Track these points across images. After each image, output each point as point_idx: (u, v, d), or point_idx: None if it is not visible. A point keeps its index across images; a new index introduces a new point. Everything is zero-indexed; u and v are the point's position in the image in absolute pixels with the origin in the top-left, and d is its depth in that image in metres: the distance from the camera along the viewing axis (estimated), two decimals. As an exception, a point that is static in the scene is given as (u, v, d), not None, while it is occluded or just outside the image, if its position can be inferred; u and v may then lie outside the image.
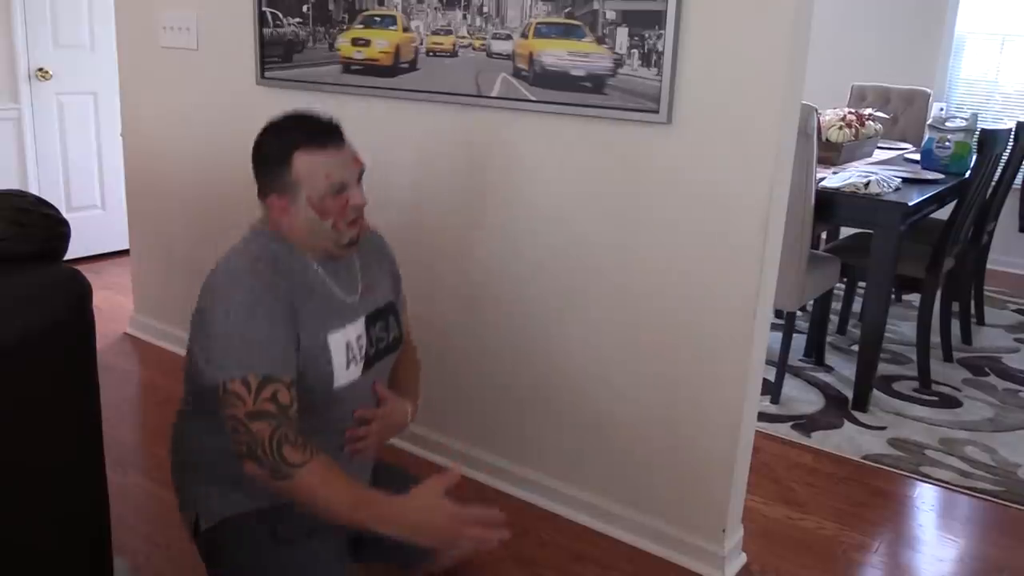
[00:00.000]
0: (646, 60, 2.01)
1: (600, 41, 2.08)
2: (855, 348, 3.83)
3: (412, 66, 2.43)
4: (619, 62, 2.06)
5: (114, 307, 3.93)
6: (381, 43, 2.49)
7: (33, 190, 4.34)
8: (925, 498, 2.66)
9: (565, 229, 2.25)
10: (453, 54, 2.34)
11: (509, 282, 2.39)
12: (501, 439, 2.52)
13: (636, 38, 2.02)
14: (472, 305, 2.49)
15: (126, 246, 3.83)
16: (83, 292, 1.56)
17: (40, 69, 4.24)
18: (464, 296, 2.50)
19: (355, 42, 2.54)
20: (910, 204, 3.04)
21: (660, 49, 1.99)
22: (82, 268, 4.63)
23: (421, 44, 2.40)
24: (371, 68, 2.52)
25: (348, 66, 2.57)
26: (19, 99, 4.21)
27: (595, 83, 2.10)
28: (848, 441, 2.96)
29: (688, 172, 2.02)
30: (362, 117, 2.60)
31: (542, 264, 2.32)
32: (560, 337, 2.33)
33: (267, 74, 2.80)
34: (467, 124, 2.37)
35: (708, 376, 2.10)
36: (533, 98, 2.21)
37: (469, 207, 2.43)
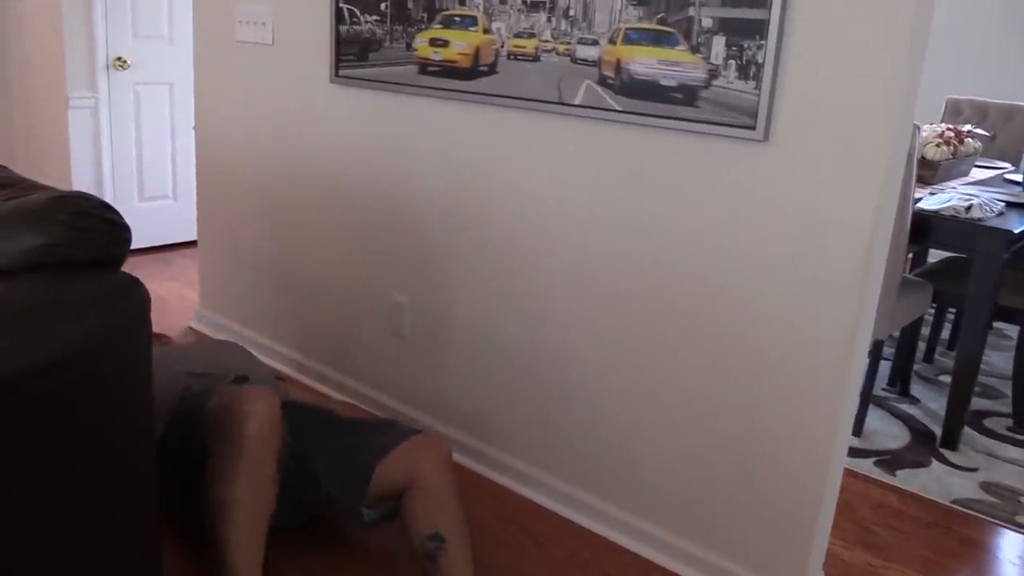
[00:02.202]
0: (743, 72, 1.87)
1: (694, 50, 1.94)
2: (942, 378, 3.61)
3: (491, 69, 2.33)
4: (714, 73, 1.92)
5: (180, 299, 3.92)
6: (460, 44, 2.39)
7: (107, 179, 4.36)
8: (1021, 551, 2.46)
9: (646, 249, 2.12)
10: (535, 58, 2.23)
11: (581, 302, 2.27)
12: (567, 463, 2.40)
13: (734, 48, 1.88)
14: (541, 323, 2.38)
15: (195, 237, 3.81)
16: (140, 302, 1.49)
17: (118, 58, 4.25)
18: (533, 313, 2.39)
19: (433, 42, 2.44)
20: (1015, 231, 2.83)
21: (760, 60, 1.84)
22: (151, 258, 4.69)
23: (502, 47, 2.29)
24: (449, 70, 2.42)
25: (425, 67, 2.48)
26: (97, 88, 4.22)
27: (687, 95, 1.96)
28: (936, 482, 2.77)
29: (784, 193, 1.88)
30: (437, 120, 2.50)
31: (618, 286, 2.19)
32: (631, 364, 2.20)
33: (341, 72, 2.72)
34: (547, 132, 2.26)
35: (795, 412, 1.95)
36: (619, 108, 2.08)
37: (544, 219, 2.31)
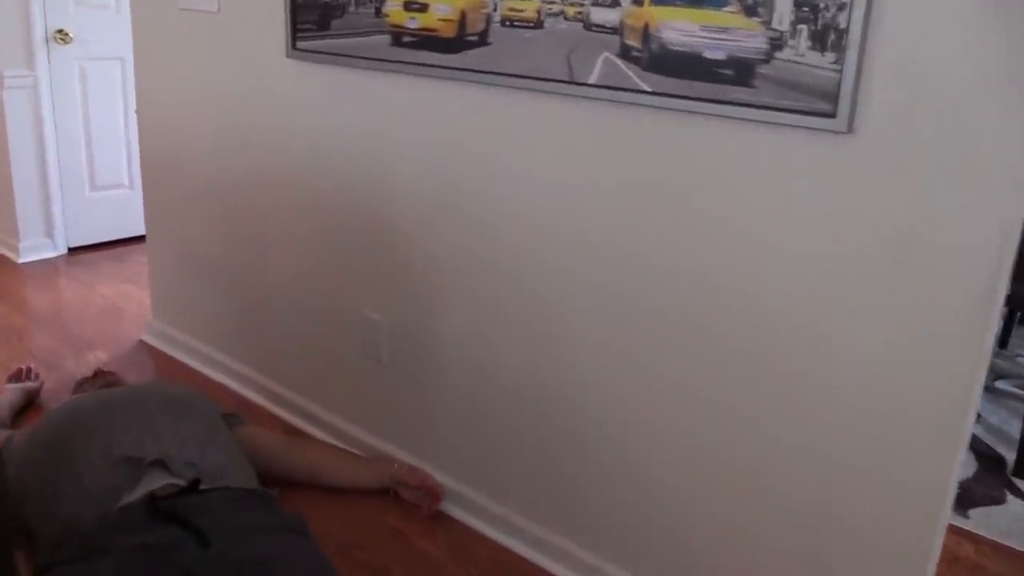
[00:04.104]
0: (819, 41, 1.40)
1: (750, 11, 1.47)
2: (999, 384, 3.18)
3: (482, 39, 1.85)
4: (777, 42, 1.45)
5: (135, 305, 3.45)
6: (442, 8, 1.91)
7: (52, 167, 3.88)
8: None
9: (683, 266, 1.66)
10: (537, 25, 1.75)
11: (598, 326, 1.82)
12: (587, 527, 1.96)
13: (805, 9, 1.41)
14: (547, 350, 1.92)
15: (146, 238, 3.33)
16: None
17: (59, 31, 3.74)
18: (538, 337, 1.93)
19: (408, 6, 1.96)
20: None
21: (842, 25, 1.37)
22: (105, 255, 4.20)
23: (495, 10, 1.81)
24: (428, 40, 1.95)
25: (399, 37, 2.00)
26: (35, 65, 3.72)
27: (739, 71, 1.49)
28: (1018, 524, 2.33)
29: (874, 203, 1.42)
30: (416, 102, 2.03)
31: (647, 309, 1.73)
32: (664, 406, 1.75)
33: (299, 44, 2.23)
34: (553, 119, 1.78)
35: (889, 480, 1.50)
36: (647, 88, 1.61)
37: (552, 226, 1.85)
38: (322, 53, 2.18)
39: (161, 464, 1.81)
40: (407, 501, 2.22)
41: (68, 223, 4.01)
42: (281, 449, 2.30)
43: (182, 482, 1.79)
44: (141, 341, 3.15)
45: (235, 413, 2.34)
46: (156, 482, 1.78)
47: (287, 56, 2.28)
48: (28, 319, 3.30)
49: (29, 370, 2.72)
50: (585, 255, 1.80)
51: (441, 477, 2.22)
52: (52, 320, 3.31)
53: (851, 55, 1.37)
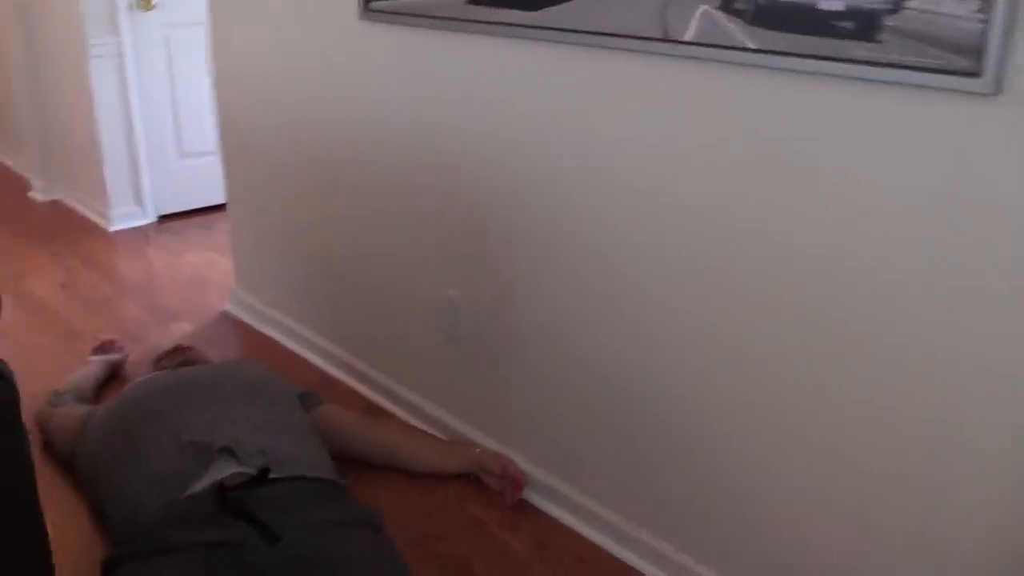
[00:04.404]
0: (961, -16, 1.18)
1: (876, -48, 1.26)
2: None
3: (565, -6, 1.68)
4: (908, -12, 1.24)
5: (220, 275, 3.42)
6: (522, -39, 1.74)
7: (139, 135, 3.88)
8: None
9: (797, 248, 1.47)
10: (626, -24, 1.57)
11: (693, 312, 1.65)
12: (684, 527, 1.81)
13: (945, -54, 1.19)
14: (638, 335, 1.76)
15: (229, 207, 3.29)
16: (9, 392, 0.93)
17: (142, -3, 3.71)
18: (628, 322, 1.77)
19: (485, -40, 1.80)
20: None
21: (990, -35, 1.15)
22: (193, 223, 4.20)
23: (579, -39, 1.64)
24: (507, -3, 1.78)
25: (476, -6, 1.84)
26: (119, 32, 3.70)
27: (861, 24, 1.29)
28: None
29: None
30: (491, 67, 1.87)
31: (751, 294, 1.55)
32: (773, 403, 1.57)
33: (372, 5, 2.10)
34: (645, 82, 1.60)
35: (1025, 502, 1.30)
36: (752, 45, 1.42)
37: (645, 201, 1.68)
38: (396, 13, 2.04)
39: (229, 451, 1.74)
40: (489, 489, 2.11)
41: (157, 191, 4.02)
42: (359, 429, 2.22)
43: (251, 471, 1.71)
44: (224, 312, 3.12)
45: (313, 392, 2.27)
46: (224, 470, 1.71)
47: (360, 18, 2.15)
48: (117, 288, 3.31)
49: (113, 342, 2.71)
50: (681, 232, 1.63)
51: (525, 465, 2.10)
52: (139, 289, 3.31)
53: (1000, 3, 1.15)
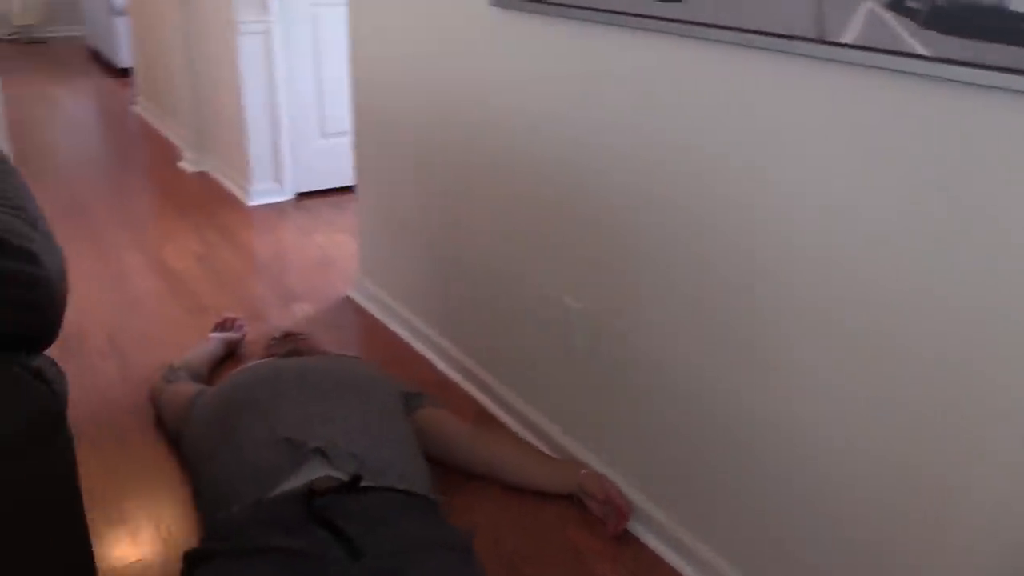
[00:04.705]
0: None
1: (1092, -55, 1.03)
2: None
3: (710, -15, 1.50)
4: None
5: (347, 258, 3.41)
6: (665, -53, 1.57)
7: (282, 113, 3.92)
8: None
9: (972, 297, 1.26)
10: (782, -33, 1.38)
11: (844, 363, 1.45)
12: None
13: None
14: (770, 379, 1.58)
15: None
16: (47, 401, 0.87)
17: (297, -25, 3.74)
18: (760, 363, 1.59)
19: (626, -55, 1.64)
20: None
21: None
22: (329, 202, 4.23)
23: (729, -51, 1.46)
24: (647, -13, 1.62)
25: (614, -17, 1.69)
26: (268, 10, 3.73)
27: (1066, 30, 1.06)
28: None
29: None
30: (628, 63, 1.72)
31: (918, 352, 1.35)
32: (940, 455, 1.36)
33: (506, -9, 1.98)
34: (795, 89, 1.41)
35: None
36: (926, 52, 1.21)
37: (792, 226, 1.49)
38: (528, 0, 1.91)
39: (322, 453, 1.67)
40: (591, 514, 1.97)
41: (297, 168, 4.06)
42: (464, 438, 2.12)
43: (343, 476, 1.64)
44: (347, 297, 3.10)
45: (420, 392, 2.19)
46: (316, 471, 1.64)
47: (491, 4, 2.03)
48: (247, 264, 3.35)
49: (234, 320, 2.73)
50: (826, 266, 1.43)
51: (633, 493, 1.95)
52: (268, 267, 3.34)
53: None
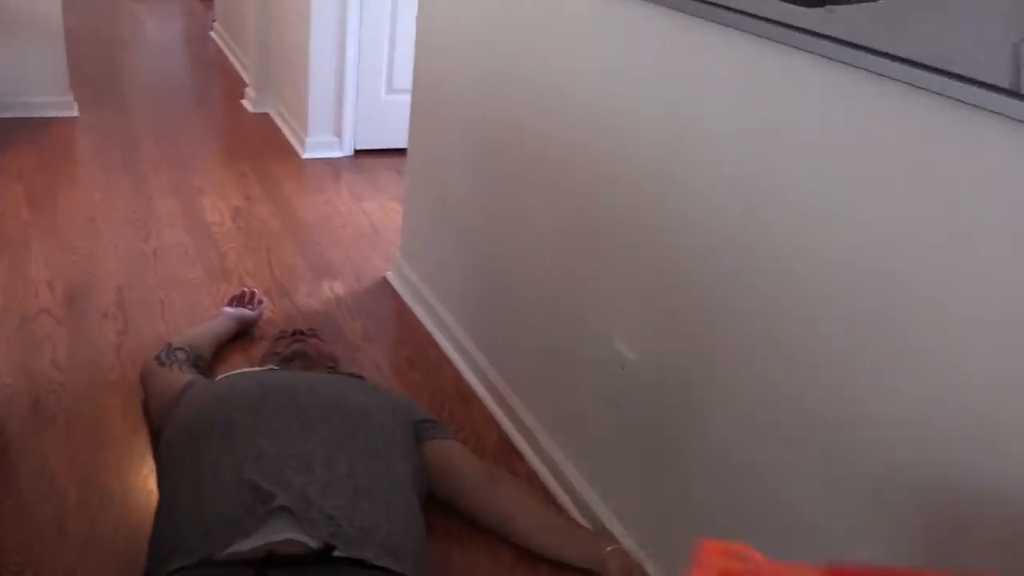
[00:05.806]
0: None
1: None
2: None
3: (863, -8, 1.12)
4: None
5: (390, 233, 3.09)
6: (809, -67, 1.19)
7: (351, 65, 3.62)
8: None
9: None
10: (971, -20, 0.99)
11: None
12: None
13: None
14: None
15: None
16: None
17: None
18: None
19: (757, -75, 1.26)
20: None
21: None
22: (389, 163, 3.88)
23: (898, -54, 1.07)
24: (776, -17, 1.24)
25: (734, -28, 1.31)
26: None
27: None
28: None
29: None
30: (734, 74, 1.35)
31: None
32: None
33: (598, -35, 1.61)
34: (966, 148, 1.03)
35: None
36: None
37: (920, 314, 1.12)
38: (624, -20, 1.54)
39: (291, 513, 1.37)
40: (611, 601, 1.65)
41: (359, 123, 3.76)
42: (478, 480, 1.81)
43: (311, 542, 1.34)
44: (384, 279, 2.80)
45: (436, 421, 1.89)
46: (279, 533, 1.35)
47: (581, -22, 1.67)
48: (285, 226, 3.07)
49: (253, 295, 2.45)
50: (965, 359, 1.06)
51: (665, 590, 1.61)
52: (307, 232, 3.05)
53: None
